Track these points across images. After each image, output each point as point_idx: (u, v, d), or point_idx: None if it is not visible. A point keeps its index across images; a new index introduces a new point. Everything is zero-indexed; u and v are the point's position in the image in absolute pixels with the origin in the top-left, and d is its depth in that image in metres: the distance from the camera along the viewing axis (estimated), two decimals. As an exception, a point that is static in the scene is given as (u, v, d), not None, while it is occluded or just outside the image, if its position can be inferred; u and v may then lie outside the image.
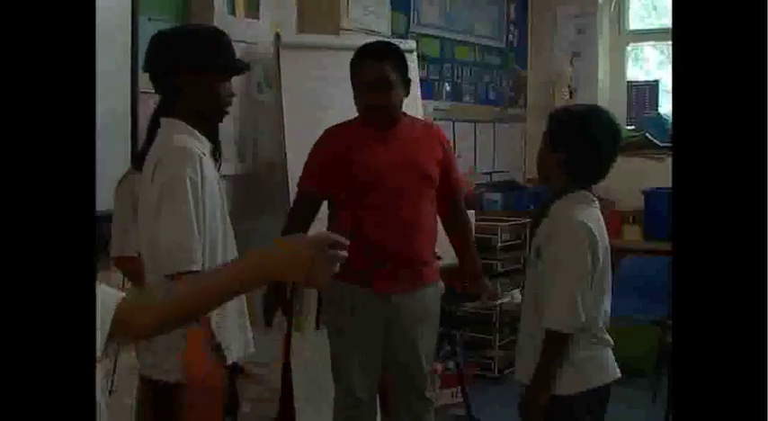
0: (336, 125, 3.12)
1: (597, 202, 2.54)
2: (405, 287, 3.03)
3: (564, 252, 2.42)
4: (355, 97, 3.03)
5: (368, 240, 2.97)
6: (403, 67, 3.03)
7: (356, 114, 3.17)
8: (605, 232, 2.52)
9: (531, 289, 2.56)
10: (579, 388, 2.46)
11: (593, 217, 2.50)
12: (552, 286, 2.42)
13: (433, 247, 3.13)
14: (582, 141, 2.48)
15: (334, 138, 3.08)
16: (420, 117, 3.81)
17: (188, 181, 2.16)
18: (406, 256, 3.01)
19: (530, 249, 2.65)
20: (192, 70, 2.26)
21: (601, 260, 2.47)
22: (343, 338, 3.11)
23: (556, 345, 2.42)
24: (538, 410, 2.44)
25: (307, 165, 3.10)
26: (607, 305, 2.53)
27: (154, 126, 2.40)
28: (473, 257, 3.30)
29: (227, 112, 2.37)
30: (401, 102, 3.06)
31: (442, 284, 3.24)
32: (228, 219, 2.38)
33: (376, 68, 2.96)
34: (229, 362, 2.28)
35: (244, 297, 2.41)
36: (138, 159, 2.86)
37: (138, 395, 2.42)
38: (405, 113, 3.14)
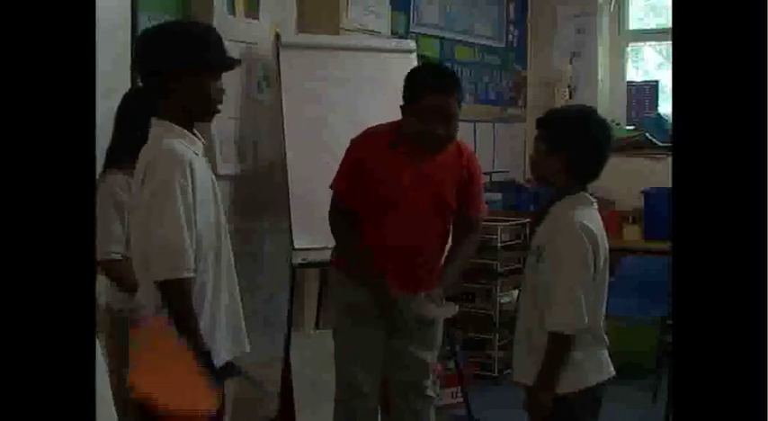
0: (374, 128, 3.07)
1: (596, 204, 2.56)
2: (409, 289, 3.02)
3: (566, 253, 2.43)
4: (411, 118, 2.93)
5: (375, 248, 2.98)
6: (461, 96, 2.99)
7: (355, 114, 3.16)
8: (605, 233, 2.53)
9: (529, 290, 2.57)
10: (577, 386, 2.48)
11: (594, 218, 2.51)
12: (555, 288, 2.43)
13: (441, 258, 3.11)
14: (584, 142, 2.50)
15: (366, 143, 3.04)
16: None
17: (177, 186, 2.15)
18: (410, 268, 3.02)
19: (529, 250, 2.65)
20: (179, 70, 2.24)
21: (601, 261, 2.48)
22: (345, 334, 3.12)
23: (560, 347, 2.43)
24: (543, 411, 2.46)
25: (341, 164, 3.08)
26: (604, 305, 2.55)
27: (135, 124, 2.41)
28: (450, 276, 3.10)
29: (218, 111, 2.34)
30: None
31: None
32: (224, 221, 2.37)
33: (444, 102, 2.89)
34: (218, 365, 2.27)
35: (238, 296, 2.41)
36: (112, 157, 2.84)
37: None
38: None
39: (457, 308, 3.10)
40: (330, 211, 3.11)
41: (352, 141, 3.08)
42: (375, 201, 3.00)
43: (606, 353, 2.56)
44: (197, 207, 2.19)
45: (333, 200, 3.11)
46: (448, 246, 3.16)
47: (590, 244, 2.44)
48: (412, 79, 3.00)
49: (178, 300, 2.16)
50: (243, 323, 2.42)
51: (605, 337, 2.55)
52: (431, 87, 2.92)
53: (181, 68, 2.23)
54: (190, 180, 2.17)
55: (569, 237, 2.44)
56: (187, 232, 2.15)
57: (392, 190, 2.98)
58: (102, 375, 1.51)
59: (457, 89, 2.96)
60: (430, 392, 3.21)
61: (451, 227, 3.14)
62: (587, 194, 2.54)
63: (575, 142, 2.49)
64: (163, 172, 2.16)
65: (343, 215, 3.07)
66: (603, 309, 2.54)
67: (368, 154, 3.02)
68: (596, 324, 2.50)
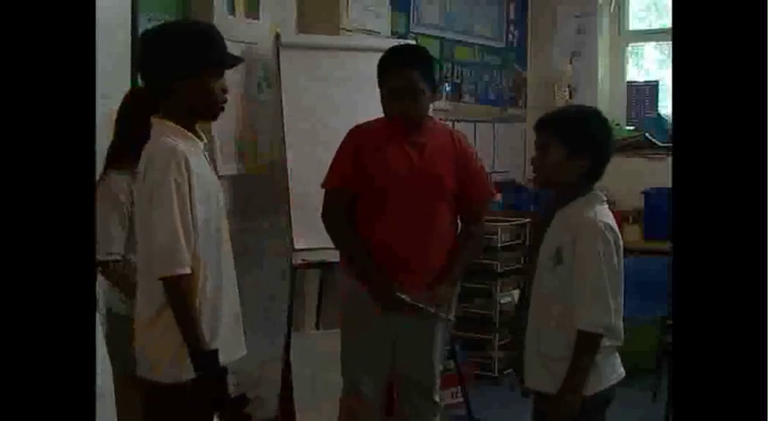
0: (362, 124, 3.11)
1: (606, 201, 2.53)
2: (414, 283, 3.01)
3: (594, 253, 2.39)
4: (382, 101, 3.01)
5: (381, 244, 2.98)
6: (431, 72, 3.01)
7: (355, 114, 3.16)
8: (619, 231, 2.51)
9: (544, 293, 2.50)
10: (595, 388, 2.44)
11: (610, 216, 2.49)
12: (583, 288, 2.39)
13: (449, 246, 3.09)
14: (603, 144, 2.49)
15: (357, 138, 3.06)
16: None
17: (173, 183, 2.15)
18: (417, 264, 3.01)
19: (531, 251, 2.62)
20: (183, 70, 2.24)
21: (621, 259, 2.46)
22: (352, 334, 3.10)
23: (590, 346, 2.39)
24: (571, 414, 2.39)
25: (332, 165, 3.08)
26: (622, 304, 2.52)
27: (135, 125, 2.40)
28: (449, 273, 3.07)
29: (222, 108, 2.34)
30: (428, 107, 3.05)
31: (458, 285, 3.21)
32: (225, 220, 2.37)
33: (404, 76, 2.93)
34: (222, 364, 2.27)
35: (237, 297, 2.40)
36: (112, 158, 2.85)
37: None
38: (430, 117, 3.13)
39: (451, 319, 3.11)
40: (325, 212, 3.10)
41: (342, 142, 3.09)
42: (372, 195, 2.99)
43: (617, 354, 2.54)
44: (195, 204, 2.19)
45: (327, 199, 3.10)
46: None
47: (614, 242, 2.43)
48: (379, 61, 3.04)
49: (175, 297, 2.16)
50: (241, 325, 2.41)
51: (621, 337, 2.51)
52: (390, 65, 2.98)
53: (184, 71, 2.23)
54: (186, 176, 2.17)
55: (594, 237, 2.40)
56: (182, 228, 2.15)
57: (388, 182, 2.97)
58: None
59: (419, 64, 2.98)
60: (436, 398, 3.19)
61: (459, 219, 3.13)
62: (599, 193, 2.52)
63: (597, 145, 2.48)
64: (158, 169, 2.17)
65: (339, 215, 3.06)
66: (622, 308, 2.52)
67: (358, 145, 3.03)
68: (618, 322, 2.47)
